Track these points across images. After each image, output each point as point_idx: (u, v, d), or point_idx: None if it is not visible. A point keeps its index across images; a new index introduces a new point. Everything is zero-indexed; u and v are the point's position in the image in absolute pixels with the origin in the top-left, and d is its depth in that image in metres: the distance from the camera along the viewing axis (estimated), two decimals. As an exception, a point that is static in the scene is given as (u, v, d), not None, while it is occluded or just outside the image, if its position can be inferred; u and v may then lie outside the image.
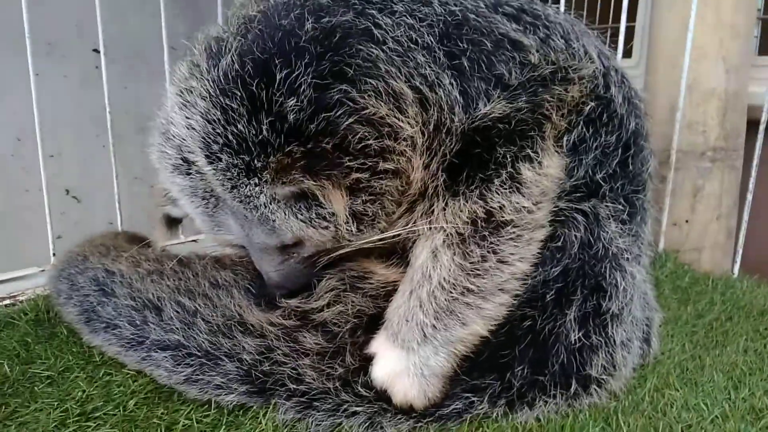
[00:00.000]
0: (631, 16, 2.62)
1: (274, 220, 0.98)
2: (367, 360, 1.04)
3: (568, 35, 1.08)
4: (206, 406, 1.06)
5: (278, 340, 1.05)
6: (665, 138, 2.01)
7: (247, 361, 1.04)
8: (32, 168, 1.74)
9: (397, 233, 1.02)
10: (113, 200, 1.84)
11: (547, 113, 1.00)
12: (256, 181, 0.93)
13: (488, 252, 0.98)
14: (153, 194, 1.27)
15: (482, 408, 1.03)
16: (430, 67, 0.96)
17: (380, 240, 1.03)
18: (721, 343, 1.39)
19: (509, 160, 0.97)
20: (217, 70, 0.93)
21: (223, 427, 1.01)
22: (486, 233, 0.98)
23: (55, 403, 1.06)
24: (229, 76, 0.92)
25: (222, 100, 0.91)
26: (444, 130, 0.97)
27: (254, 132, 0.90)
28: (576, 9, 3.06)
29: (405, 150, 0.95)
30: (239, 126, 0.90)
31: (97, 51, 1.79)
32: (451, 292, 0.99)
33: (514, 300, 1.02)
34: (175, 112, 0.99)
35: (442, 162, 0.98)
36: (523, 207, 0.98)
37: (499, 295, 1.01)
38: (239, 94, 0.90)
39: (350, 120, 0.90)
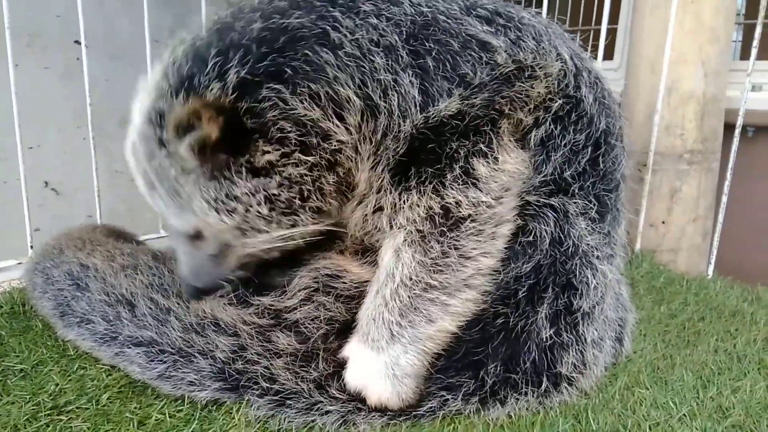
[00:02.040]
0: (614, 19, 2.65)
1: (180, 195, 1.03)
2: (341, 365, 1.05)
3: (539, 36, 1.09)
4: (179, 401, 1.06)
5: (251, 338, 1.06)
6: (643, 140, 2.03)
7: (220, 359, 1.05)
8: (11, 160, 1.72)
9: (304, 230, 1.05)
10: (93, 193, 1.83)
11: (503, 109, 1.02)
12: (166, 152, 1.00)
13: (449, 248, 1.00)
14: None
15: (455, 405, 1.05)
16: (388, 69, 0.98)
17: (288, 238, 1.05)
18: (692, 342, 1.41)
19: (462, 154, 0.99)
20: (168, 60, 1.03)
21: (196, 422, 1.02)
22: (445, 229, 0.99)
23: (28, 397, 1.06)
24: (173, 64, 1.01)
25: (159, 81, 1.02)
26: (391, 136, 0.99)
27: (170, 105, 0.98)
28: (559, 11, 3.10)
29: (339, 150, 1.00)
30: (161, 102, 0.99)
31: (78, 43, 1.76)
32: (413, 289, 1.00)
33: (487, 297, 1.04)
34: (137, 102, 1.08)
35: (387, 164, 1.01)
36: (482, 201, 0.99)
37: (464, 291, 1.02)
38: (172, 76, 1.00)
39: (275, 114, 0.96)
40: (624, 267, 1.32)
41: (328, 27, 0.98)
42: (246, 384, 1.03)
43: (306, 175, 1.00)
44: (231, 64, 0.95)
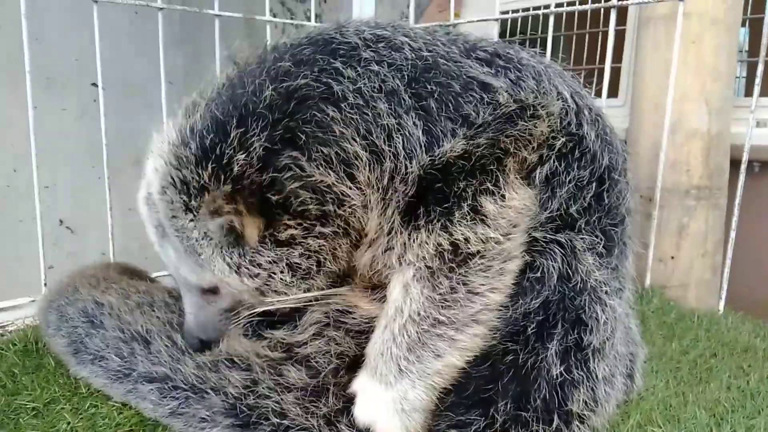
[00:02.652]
0: (618, 58, 2.70)
1: (200, 254, 1.05)
2: (350, 401, 1.05)
3: (539, 76, 1.12)
4: (190, 439, 1.06)
5: (263, 372, 1.06)
6: (650, 176, 2.05)
7: (232, 394, 1.05)
8: (27, 198, 1.76)
9: (320, 294, 1.10)
10: (106, 231, 1.85)
11: (508, 147, 1.03)
12: (191, 216, 1.03)
13: (457, 283, 1.01)
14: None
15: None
16: (391, 113, 1.01)
17: (302, 299, 1.09)
18: (704, 379, 1.40)
19: (470, 193, 1.00)
20: (184, 124, 1.05)
21: (207, 460, 1.02)
22: (454, 265, 1.00)
23: (40, 435, 1.06)
24: (191, 131, 1.03)
25: (180, 148, 1.03)
26: (399, 179, 1.02)
27: (197, 178, 1.01)
28: (563, 51, 3.16)
29: (352, 212, 1.03)
30: (185, 171, 1.01)
31: (95, 85, 1.82)
32: (421, 324, 1.01)
33: (495, 333, 1.04)
34: (151, 157, 1.11)
35: (397, 206, 1.03)
36: (490, 238, 1.00)
37: (472, 327, 1.02)
38: (194, 144, 1.02)
39: (295, 184, 1.00)
40: (633, 300, 1.32)
41: (331, 81, 1.01)
42: (256, 420, 1.03)
43: (324, 245, 1.05)
44: (252, 134, 0.99)
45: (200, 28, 2.42)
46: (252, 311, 1.12)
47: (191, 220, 1.03)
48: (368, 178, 1.01)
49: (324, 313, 1.10)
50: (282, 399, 1.04)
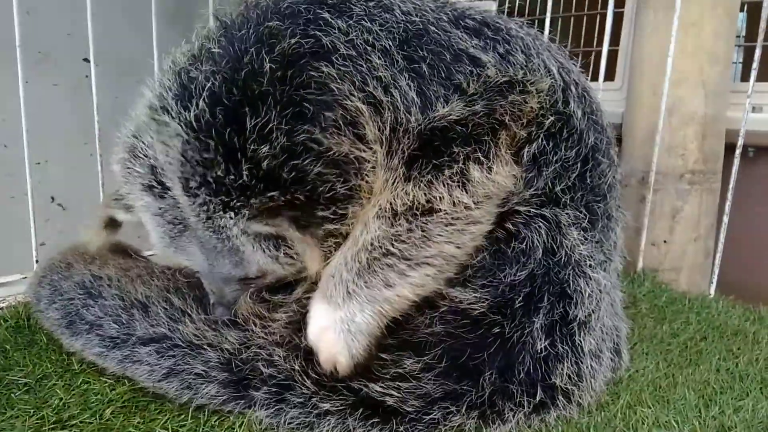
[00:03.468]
0: (615, 40, 2.68)
1: (243, 252, 1.03)
2: None
3: (528, 50, 1.11)
4: (183, 415, 1.07)
5: (256, 327, 1.09)
6: (645, 160, 2.05)
7: (228, 350, 1.07)
8: (18, 175, 1.74)
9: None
10: (98, 209, 1.84)
11: (503, 119, 1.03)
12: (232, 215, 0.98)
13: (416, 227, 1.01)
14: (104, 196, 1.27)
15: (457, 420, 1.04)
16: (385, 69, 1.00)
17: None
18: (694, 361, 1.41)
19: (462, 157, 1.01)
20: (189, 113, 0.97)
21: (199, 436, 1.02)
22: (417, 213, 1.01)
23: (32, 411, 1.06)
24: (202, 122, 0.96)
25: (198, 145, 0.96)
26: (401, 129, 1.00)
27: (233, 178, 0.95)
28: (561, 33, 3.14)
29: (370, 180, 1.01)
30: (217, 172, 0.95)
31: (87, 60, 1.79)
32: (372, 253, 1.02)
33: (484, 303, 1.05)
34: (150, 137, 1.02)
35: (402, 156, 1.02)
36: (462, 202, 1.01)
37: (424, 267, 1.03)
38: (213, 142, 0.95)
39: (318, 167, 0.96)
40: (621, 271, 1.34)
41: (318, 33, 0.99)
42: (249, 375, 1.05)
43: (346, 224, 1.03)
44: (266, 120, 0.94)
45: (194, 3, 2.39)
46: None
47: (231, 218, 0.99)
48: (374, 133, 1.00)
49: None
50: (273, 351, 1.06)
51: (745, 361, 1.40)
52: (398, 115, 1.00)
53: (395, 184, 1.01)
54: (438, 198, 1.00)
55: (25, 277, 1.65)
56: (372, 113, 0.99)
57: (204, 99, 0.97)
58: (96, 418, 1.05)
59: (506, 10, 3.01)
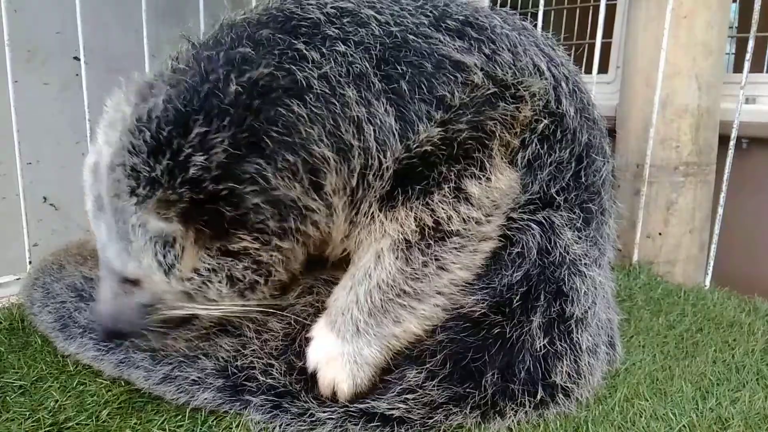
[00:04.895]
0: (608, 33, 2.68)
1: (132, 242, 0.98)
2: None
3: (515, 48, 1.08)
4: (180, 416, 1.06)
5: (251, 332, 1.09)
6: (639, 153, 2.05)
7: (223, 357, 1.07)
8: (10, 175, 1.73)
9: (249, 308, 1.04)
10: (91, 208, 1.82)
11: (492, 130, 1.01)
12: (135, 201, 0.94)
13: (430, 259, 1.01)
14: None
15: (457, 419, 1.05)
16: (361, 101, 0.95)
17: (233, 310, 1.03)
18: (690, 353, 1.41)
19: (452, 177, 0.99)
20: (143, 106, 0.95)
21: (197, 436, 1.02)
22: (431, 242, 1.01)
23: (27, 413, 1.05)
24: (148, 116, 0.93)
25: (135, 131, 0.93)
26: (371, 174, 0.97)
27: (147, 169, 0.91)
28: (554, 26, 3.14)
29: (315, 226, 0.99)
30: (136, 159, 0.92)
31: (77, 59, 1.78)
32: (387, 293, 1.02)
33: (483, 304, 1.05)
34: (104, 126, 1.02)
35: (375, 199, 0.99)
36: (472, 217, 1.01)
37: (435, 298, 1.04)
38: (149, 133, 0.92)
39: (258, 199, 0.92)
40: (616, 264, 1.34)
41: (293, 67, 0.94)
42: (245, 382, 1.05)
43: (277, 258, 0.99)
44: (215, 135, 0.90)
45: (185, 1, 2.37)
46: (172, 313, 1.04)
47: (134, 205, 0.94)
48: (335, 184, 0.97)
49: (314, 279, 1.13)
50: (269, 363, 1.06)
51: (741, 352, 1.41)
52: (369, 158, 0.96)
53: (376, 218, 1.00)
54: (446, 218, 0.99)
55: (19, 278, 1.64)
56: (339, 161, 0.96)
57: (160, 99, 0.94)
58: (92, 420, 1.05)
59: (498, 2, 2.99)
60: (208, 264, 0.97)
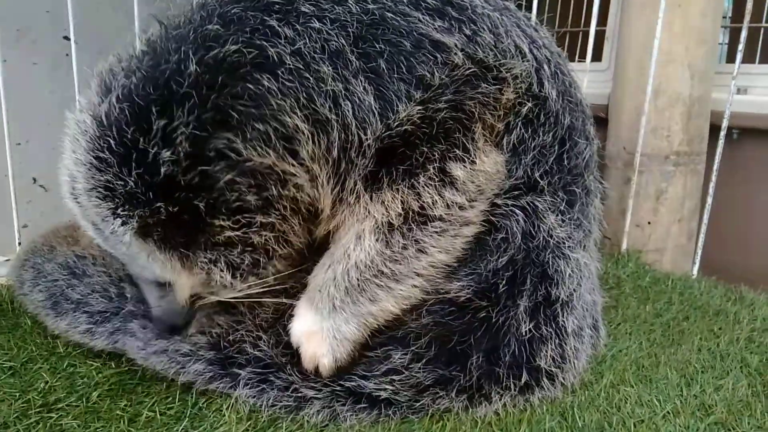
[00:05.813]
0: (603, 21, 2.67)
1: (139, 259, 0.98)
2: None
3: (496, 29, 1.05)
4: (170, 398, 1.07)
5: (244, 308, 1.10)
6: (631, 141, 2.06)
7: (216, 333, 1.09)
8: (-2, 156, 1.71)
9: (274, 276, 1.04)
10: (81, 190, 1.81)
11: (472, 111, 1.00)
12: (120, 222, 0.92)
13: (411, 242, 1.02)
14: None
15: (444, 403, 1.06)
16: (337, 77, 0.93)
17: (264, 289, 1.04)
18: (676, 341, 1.43)
19: (437, 156, 0.98)
20: (100, 110, 0.91)
21: (187, 419, 1.02)
22: (413, 225, 1.01)
23: (17, 394, 1.06)
24: (108, 120, 0.89)
25: (98, 144, 0.90)
26: (354, 151, 0.95)
27: (121, 183, 0.89)
28: (548, 13, 3.12)
29: (299, 190, 0.95)
30: (107, 176, 0.89)
31: (67, 38, 1.76)
32: (364, 273, 1.03)
33: (469, 290, 1.06)
34: (69, 141, 0.97)
35: (359, 178, 0.98)
36: (456, 203, 1.01)
37: (413, 279, 1.05)
38: (113, 141, 0.88)
39: (230, 175, 0.89)
40: (605, 252, 1.34)
41: (265, 43, 0.91)
42: (235, 355, 1.07)
43: (269, 237, 0.97)
44: (178, 124, 0.86)
45: (176, -20, 2.33)
46: (212, 298, 1.05)
47: (121, 225, 0.92)
48: (312, 152, 0.94)
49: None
50: (259, 335, 1.08)
51: (726, 340, 1.43)
52: (349, 134, 0.94)
53: (361, 198, 0.99)
54: (431, 203, 0.99)
55: (8, 260, 1.63)
56: (316, 132, 0.93)
57: (116, 94, 0.90)
58: (82, 401, 1.05)
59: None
60: (204, 258, 0.96)
